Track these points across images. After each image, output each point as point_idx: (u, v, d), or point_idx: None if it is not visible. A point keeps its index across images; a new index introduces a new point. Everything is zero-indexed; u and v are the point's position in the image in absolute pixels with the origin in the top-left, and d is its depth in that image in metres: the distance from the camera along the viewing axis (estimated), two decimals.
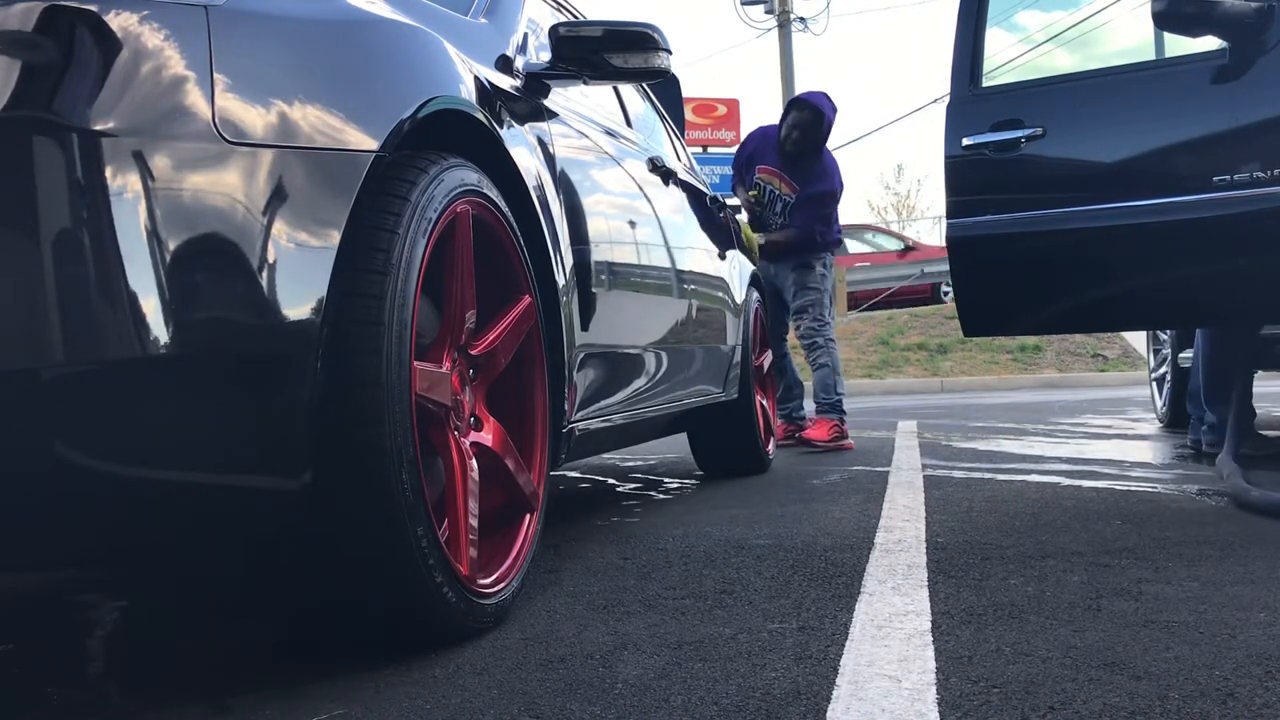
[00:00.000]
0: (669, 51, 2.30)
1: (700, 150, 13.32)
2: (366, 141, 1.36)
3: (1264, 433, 4.06)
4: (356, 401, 1.30)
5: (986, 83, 3.22)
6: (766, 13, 16.65)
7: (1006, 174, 3.07)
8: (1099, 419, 6.24)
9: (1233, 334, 3.76)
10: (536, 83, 2.15)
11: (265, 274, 1.19)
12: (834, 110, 4.76)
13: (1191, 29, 2.84)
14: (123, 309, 1.07)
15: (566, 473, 4.04)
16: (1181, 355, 4.73)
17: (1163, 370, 5.40)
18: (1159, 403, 5.52)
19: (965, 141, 3.11)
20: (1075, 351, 13.13)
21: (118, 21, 1.10)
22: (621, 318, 2.46)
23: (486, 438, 1.68)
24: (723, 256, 3.60)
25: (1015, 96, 3.16)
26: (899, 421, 6.24)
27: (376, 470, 1.31)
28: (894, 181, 52.62)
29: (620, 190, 2.60)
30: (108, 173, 1.06)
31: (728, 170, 13.61)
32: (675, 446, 4.84)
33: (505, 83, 1.97)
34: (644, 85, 3.46)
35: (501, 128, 1.80)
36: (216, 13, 1.20)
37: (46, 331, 1.02)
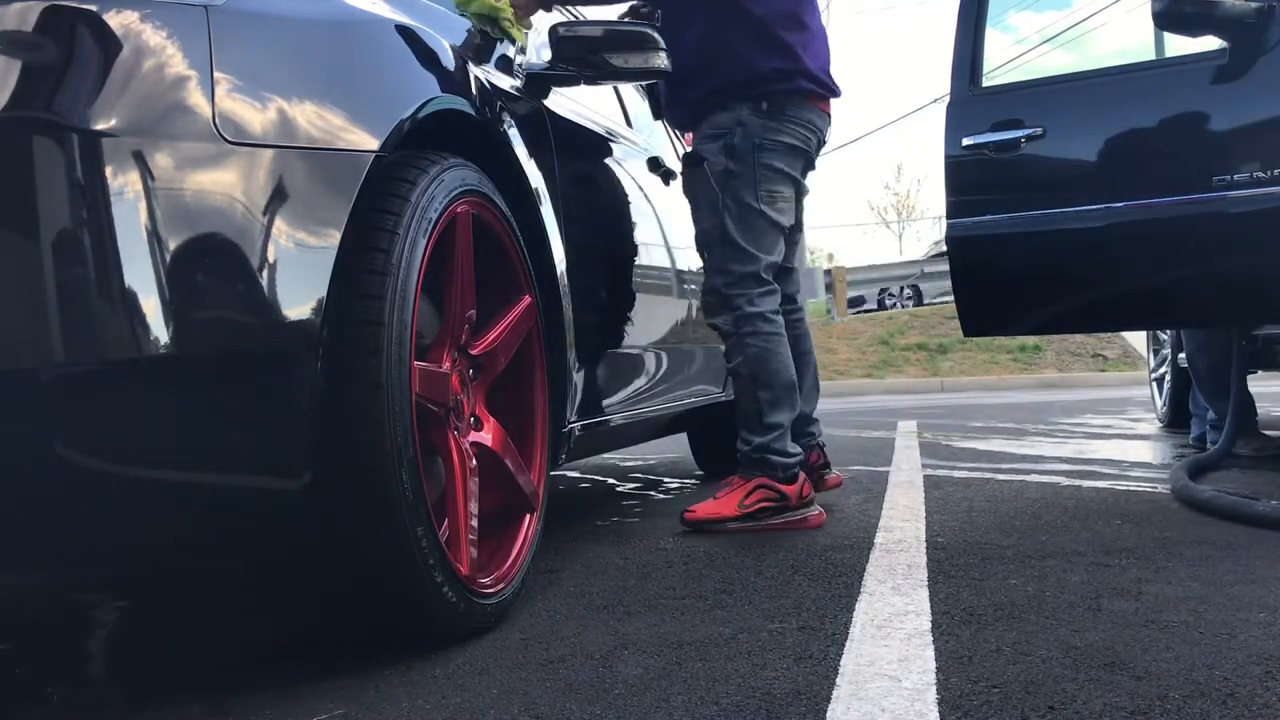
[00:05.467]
0: (669, 51, 2.30)
1: None
2: (367, 141, 1.36)
3: (1266, 433, 4.05)
4: (356, 401, 1.30)
5: (986, 83, 3.22)
6: None
7: (1006, 174, 3.06)
8: (1099, 419, 6.24)
9: (1228, 333, 3.76)
10: (536, 83, 2.15)
11: (265, 274, 1.20)
12: None
13: (1191, 29, 2.84)
14: (122, 309, 1.07)
15: (566, 473, 4.04)
16: (1181, 355, 4.73)
17: (1163, 370, 5.40)
18: (1159, 403, 5.51)
19: (965, 141, 3.11)
20: (1075, 351, 13.13)
21: (118, 21, 1.10)
22: (621, 317, 2.46)
23: (486, 438, 1.68)
24: None
25: (1015, 96, 3.16)
26: (899, 421, 6.24)
27: (376, 470, 1.31)
28: (894, 181, 52.94)
29: (620, 190, 2.60)
30: (108, 173, 1.06)
31: None
32: (675, 446, 4.83)
33: (505, 83, 1.97)
34: (644, 85, 3.46)
35: (502, 128, 1.80)
36: (217, 13, 1.20)
37: (46, 331, 1.02)
